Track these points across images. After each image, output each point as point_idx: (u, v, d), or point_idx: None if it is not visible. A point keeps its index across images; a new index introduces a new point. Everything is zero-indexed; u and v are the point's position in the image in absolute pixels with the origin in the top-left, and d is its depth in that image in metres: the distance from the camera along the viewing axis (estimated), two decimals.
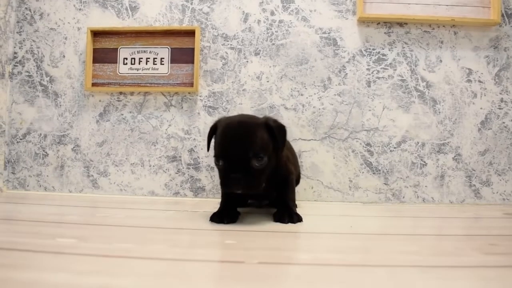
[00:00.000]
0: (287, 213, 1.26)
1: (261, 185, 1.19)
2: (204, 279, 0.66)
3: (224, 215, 1.25)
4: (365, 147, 1.88)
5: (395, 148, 1.88)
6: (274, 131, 1.21)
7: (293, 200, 1.41)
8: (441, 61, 1.91)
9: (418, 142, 1.89)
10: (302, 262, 0.79)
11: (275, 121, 1.25)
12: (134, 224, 1.18)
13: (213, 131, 1.29)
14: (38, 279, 0.63)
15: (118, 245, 0.88)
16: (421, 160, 1.88)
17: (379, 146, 1.88)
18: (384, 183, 1.87)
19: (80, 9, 1.99)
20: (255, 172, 1.16)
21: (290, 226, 1.18)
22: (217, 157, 1.19)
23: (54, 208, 1.47)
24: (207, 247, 0.90)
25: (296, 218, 1.25)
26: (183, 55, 1.93)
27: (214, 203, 1.62)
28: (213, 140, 1.27)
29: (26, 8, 2.01)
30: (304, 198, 1.86)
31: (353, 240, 1.02)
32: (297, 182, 1.70)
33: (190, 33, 1.92)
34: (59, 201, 1.66)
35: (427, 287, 0.65)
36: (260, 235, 1.04)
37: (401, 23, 1.92)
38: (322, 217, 1.41)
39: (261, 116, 1.28)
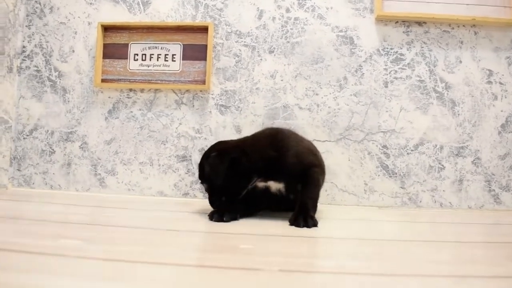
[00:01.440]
0: (302, 216, 1.20)
1: (215, 204, 1.34)
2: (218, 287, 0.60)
3: (226, 212, 1.26)
4: (381, 149, 1.83)
5: (412, 150, 1.82)
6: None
7: (314, 198, 1.33)
8: (460, 61, 1.85)
9: (436, 145, 1.82)
10: (325, 270, 0.73)
11: (214, 153, 1.32)
12: (143, 226, 1.13)
13: None
14: (39, 284, 0.58)
15: (125, 248, 0.84)
16: (439, 163, 1.82)
17: (395, 149, 1.83)
18: (401, 187, 1.81)
19: (90, 3, 1.95)
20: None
21: (306, 231, 1.12)
22: None
23: (59, 207, 1.42)
24: (221, 252, 0.85)
25: (312, 223, 1.19)
26: (195, 52, 1.88)
27: None
28: None
29: (36, 1, 1.97)
30: None
31: (375, 246, 0.96)
32: None
33: (203, 30, 1.87)
34: (64, 200, 1.61)
35: None
36: (276, 240, 0.99)
37: (420, 22, 1.86)
38: (339, 221, 1.36)
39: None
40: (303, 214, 1.22)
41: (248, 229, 1.11)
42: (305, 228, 1.15)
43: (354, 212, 1.61)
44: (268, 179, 1.34)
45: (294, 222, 1.19)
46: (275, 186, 1.35)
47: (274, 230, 1.12)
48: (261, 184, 1.36)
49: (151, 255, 0.78)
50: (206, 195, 1.82)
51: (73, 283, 0.59)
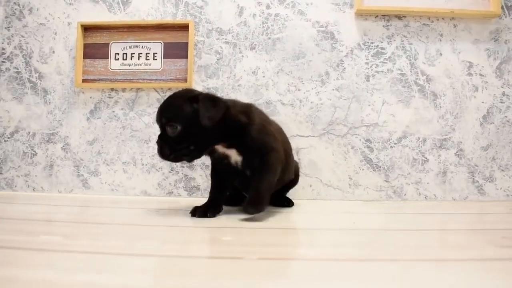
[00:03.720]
0: (250, 201, 1.14)
1: (174, 154, 1.20)
2: (200, 275, 0.60)
3: (209, 207, 1.23)
4: (365, 143, 1.83)
5: (395, 144, 1.83)
6: (199, 102, 1.18)
7: (269, 183, 1.22)
8: (441, 54, 1.86)
9: (419, 138, 1.83)
10: (305, 258, 0.73)
11: (208, 94, 1.22)
12: (125, 222, 1.12)
13: None
14: (19, 276, 0.57)
15: (105, 242, 0.83)
16: (423, 156, 1.83)
17: (379, 142, 1.83)
18: (385, 180, 1.82)
19: (70, 4, 1.93)
20: (170, 139, 1.19)
21: (288, 223, 1.13)
22: None
23: (42, 207, 1.41)
24: (203, 243, 0.85)
25: (260, 207, 1.13)
26: (177, 50, 1.87)
27: None
28: None
29: (14, 3, 1.95)
30: (302, 196, 1.80)
31: (357, 235, 0.96)
32: (296, 180, 1.63)
33: (184, 27, 1.86)
34: (47, 201, 1.60)
35: (444, 281, 0.59)
36: (258, 232, 0.98)
37: (399, 16, 1.87)
38: (323, 215, 1.36)
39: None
40: (252, 198, 1.16)
41: (230, 223, 1.11)
42: (287, 220, 1.15)
43: (339, 206, 1.61)
44: (231, 146, 1.27)
45: (244, 209, 1.14)
46: (235, 157, 1.28)
47: (256, 223, 1.11)
48: (221, 150, 1.29)
49: (131, 248, 0.77)
50: (191, 193, 1.84)
51: (53, 275, 0.58)
